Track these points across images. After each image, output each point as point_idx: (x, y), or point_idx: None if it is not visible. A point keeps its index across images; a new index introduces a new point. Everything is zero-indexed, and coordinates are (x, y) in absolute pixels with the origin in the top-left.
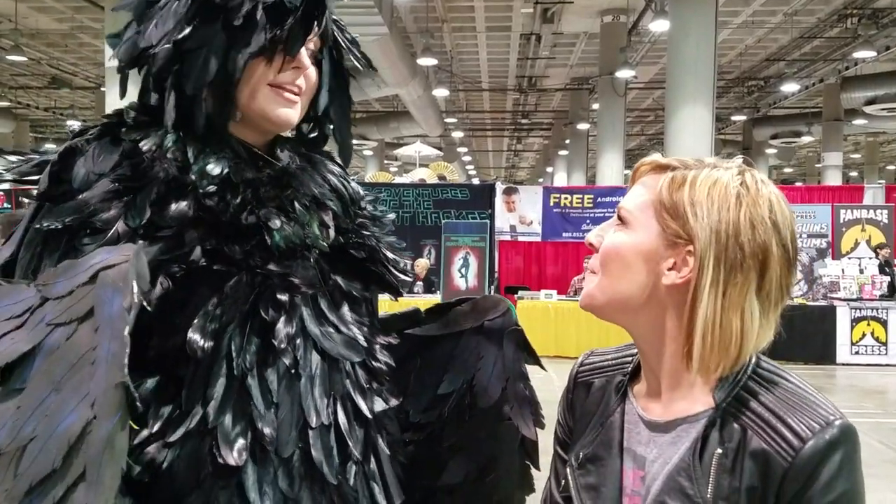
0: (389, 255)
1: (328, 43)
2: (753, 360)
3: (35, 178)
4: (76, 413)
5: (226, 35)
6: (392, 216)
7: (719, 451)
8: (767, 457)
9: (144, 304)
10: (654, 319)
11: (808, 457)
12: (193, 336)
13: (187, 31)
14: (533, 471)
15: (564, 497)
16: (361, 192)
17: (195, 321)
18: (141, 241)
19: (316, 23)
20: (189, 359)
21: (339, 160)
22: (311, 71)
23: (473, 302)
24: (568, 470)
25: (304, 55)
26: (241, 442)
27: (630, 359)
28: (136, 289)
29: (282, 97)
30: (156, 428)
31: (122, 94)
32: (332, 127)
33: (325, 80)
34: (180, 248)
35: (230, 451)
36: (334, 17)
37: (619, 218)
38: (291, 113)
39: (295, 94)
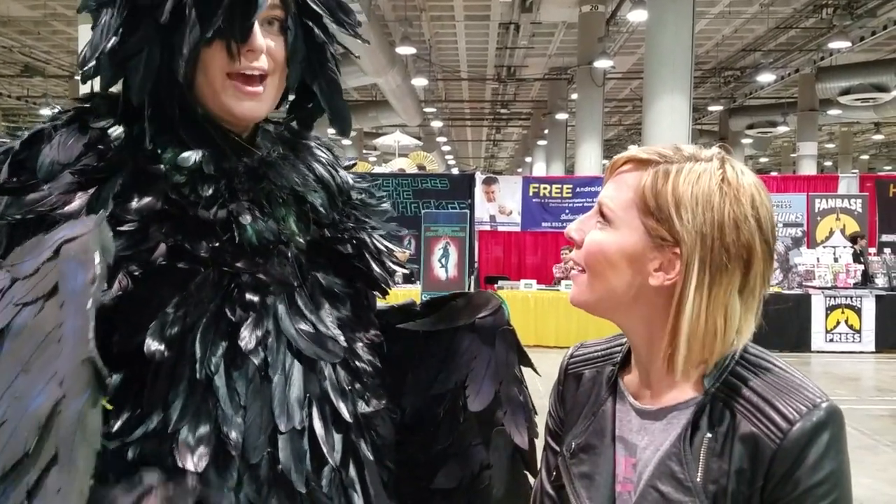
0: (381, 246)
1: (291, 11)
2: (740, 345)
3: None
4: (45, 393)
5: (160, 37)
6: (388, 204)
7: (709, 435)
8: (756, 439)
9: (104, 299)
10: (644, 316)
11: (796, 438)
12: (150, 341)
13: (114, 41)
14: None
15: (556, 487)
16: (352, 181)
17: (153, 324)
18: (103, 211)
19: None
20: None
21: (327, 145)
22: (278, 46)
23: (468, 297)
24: (560, 460)
25: (258, 36)
26: (201, 447)
27: (619, 349)
28: (98, 260)
29: (243, 91)
30: (116, 426)
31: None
32: (319, 99)
33: (292, 52)
34: (143, 244)
35: (189, 457)
36: None
37: (602, 215)
38: (256, 106)
39: (257, 83)
